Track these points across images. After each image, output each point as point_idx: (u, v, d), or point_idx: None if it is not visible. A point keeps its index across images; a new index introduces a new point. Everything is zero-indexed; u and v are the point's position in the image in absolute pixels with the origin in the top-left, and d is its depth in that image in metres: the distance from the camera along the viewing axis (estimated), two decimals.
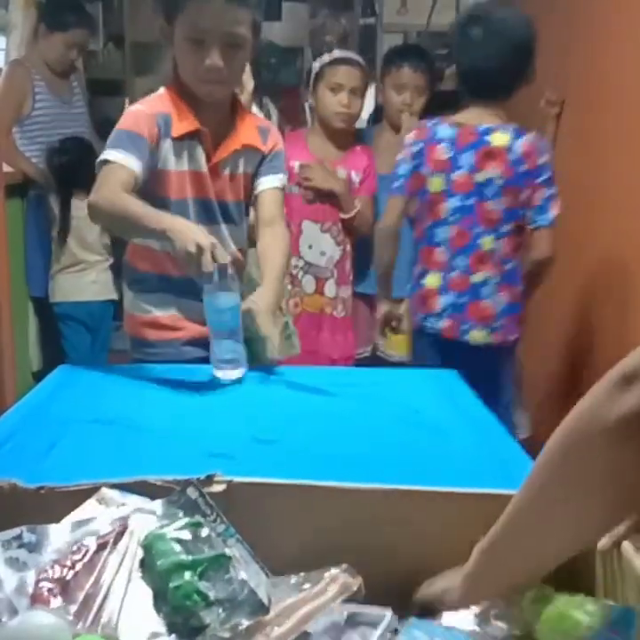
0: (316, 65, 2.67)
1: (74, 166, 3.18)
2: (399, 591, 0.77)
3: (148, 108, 1.65)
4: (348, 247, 2.70)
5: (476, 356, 2.06)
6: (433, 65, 3.01)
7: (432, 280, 2.14)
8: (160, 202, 1.64)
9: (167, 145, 1.65)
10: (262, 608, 0.70)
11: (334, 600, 0.74)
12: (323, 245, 2.67)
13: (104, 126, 3.87)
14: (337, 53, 2.71)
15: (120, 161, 1.54)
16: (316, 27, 4.37)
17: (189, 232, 1.39)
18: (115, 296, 3.30)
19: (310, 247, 2.66)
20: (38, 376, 3.27)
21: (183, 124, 1.65)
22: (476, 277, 2.08)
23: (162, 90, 1.70)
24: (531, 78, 2.03)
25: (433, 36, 5.58)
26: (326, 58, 2.66)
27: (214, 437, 1.24)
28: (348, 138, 2.72)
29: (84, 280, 3.32)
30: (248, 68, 1.97)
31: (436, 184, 2.09)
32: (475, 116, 2.07)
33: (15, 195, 3.31)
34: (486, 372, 1.90)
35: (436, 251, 2.12)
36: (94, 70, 4.05)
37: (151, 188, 1.65)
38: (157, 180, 1.66)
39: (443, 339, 2.11)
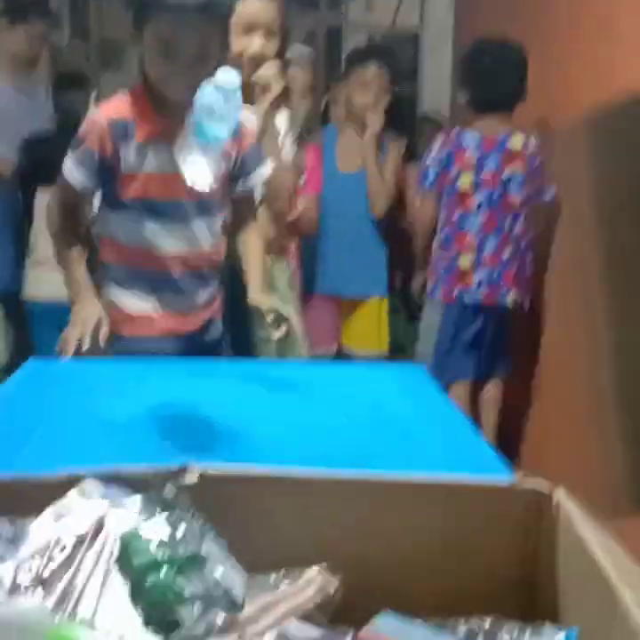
0: None
1: (41, 161, 3.16)
2: (379, 583, 0.78)
3: (105, 115, 1.70)
4: (292, 247, 2.48)
5: (505, 315, 2.73)
6: (397, 64, 3.05)
7: (465, 261, 2.70)
8: (128, 200, 1.68)
9: (130, 149, 1.67)
10: (237, 605, 0.71)
11: (312, 601, 0.75)
12: None
13: (69, 120, 3.84)
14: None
15: (69, 177, 1.72)
16: None
17: (77, 317, 1.68)
18: None
19: None
20: (5, 370, 3.24)
21: (146, 129, 1.67)
22: (505, 254, 2.67)
23: (125, 92, 1.72)
24: (525, 94, 2.67)
25: (397, 36, 5.63)
26: None
27: (186, 431, 1.26)
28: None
29: (52, 277, 3.28)
30: (276, 69, 1.97)
31: (464, 181, 2.68)
32: (491, 126, 2.69)
33: None
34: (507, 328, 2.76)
35: (467, 236, 2.69)
36: (60, 64, 4.01)
37: (119, 189, 1.68)
38: (125, 182, 1.68)
39: (481, 306, 2.72)
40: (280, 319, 1.66)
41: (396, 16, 5.32)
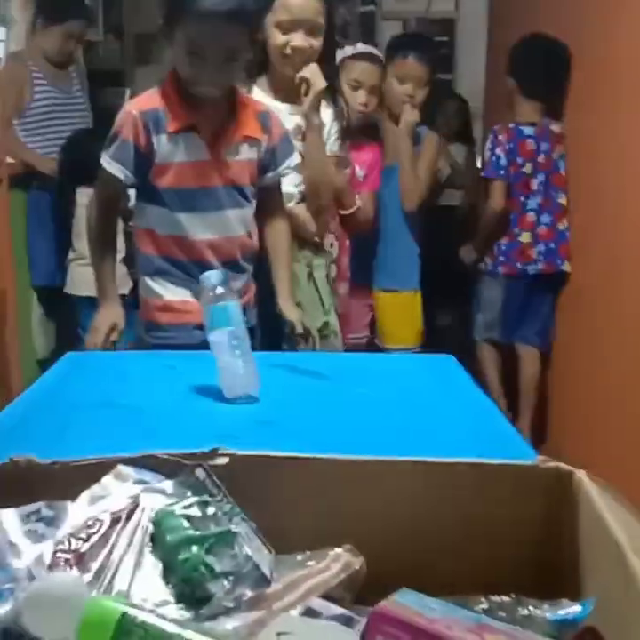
0: (337, 56, 2.59)
1: (80, 159, 3.23)
2: (403, 563, 0.80)
3: (137, 108, 1.76)
4: (347, 242, 2.65)
5: (562, 281, 3.08)
6: (436, 57, 3.03)
7: (526, 237, 3.07)
8: (163, 190, 1.73)
9: (163, 140, 1.72)
10: (265, 581, 0.74)
11: (337, 577, 0.78)
12: None
13: (105, 117, 3.91)
14: (360, 47, 2.68)
15: (110, 170, 1.77)
16: None
17: (95, 322, 1.85)
18: (124, 290, 3.34)
19: None
20: (43, 364, 3.32)
21: (177, 120, 1.72)
22: (560, 226, 3.03)
23: (155, 87, 1.77)
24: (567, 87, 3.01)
25: (432, 22, 5.61)
26: (349, 51, 2.63)
27: (218, 419, 1.29)
28: (357, 133, 2.68)
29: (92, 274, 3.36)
30: (316, 67, 2.00)
31: (528, 167, 3.03)
32: (535, 113, 3.04)
33: (18, 186, 3.35)
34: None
35: (527, 216, 3.05)
36: (94, 61, 4.08)
37: (154, 180, 1.73)
38: (157, 171, 1.73)
39: (541, 276, 3.07)
40: (306, 333, 1.71)
41: (431, 3, 5.30)
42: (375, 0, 5.07)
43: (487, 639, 0.57)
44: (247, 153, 1.80)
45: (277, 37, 1.99)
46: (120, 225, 3.28)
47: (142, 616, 0.61)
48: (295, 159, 1.88)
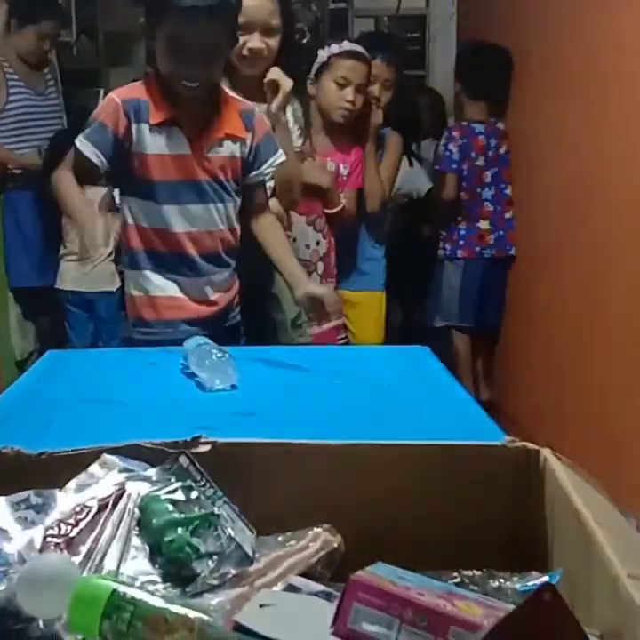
0: (323, 54, 2.62)
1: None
2: (379, 542, 0.84)
3: (120, 96, 1.79)
4: (333, 240, 2.67)
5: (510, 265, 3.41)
6: (404, 57, 2.97)
7: (485, 225, 3.39)
8: (145, 182, 1.76)
9: (144, 130, 1.75)
10: (248, 559, 0.78)
11: (316, 554, 0.82)
12: (307, 238, 2.60)
13: (79, 117, 3.91)
14: (347, 45, 2.65)
15: (84, 150, 1.75)
16: None
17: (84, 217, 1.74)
18: (112, 287, 3.39)
19: (294, 240, 2.52)
20: (22, 365, 3.33)
21: (160, 113, 1.75)
22: (507, 215, 3.38)
23: (139, 81, 1.80)
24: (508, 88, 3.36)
25: (403, 19, 5.64)
26: (335, 48, 2.62)
27: (198, 411, 1.32)
28: (343, 131, 2.71)
29: (81, 270, 3.42)
30: (278, 69, 2.02)
31: (481, 161, 3.34)
32: (481, 113, 3.36)
33: None
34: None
35: (484, 205, 3.38)
36: (68, 61, 4.08)
37: (133, 169, 1.77)
38: (137, 162, 1.77)
39: (493, 259, 3.40)
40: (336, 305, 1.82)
41: (401, 1, 5.33)
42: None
43: (457, 604, 0.61)
44: (230, 149, 1.83)
45: None
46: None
47: (131, 592, 0.64)
48: (279, 158, 1.91)
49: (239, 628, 0.61)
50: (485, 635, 0.51)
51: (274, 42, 2.02)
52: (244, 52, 2.00)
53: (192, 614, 0.63)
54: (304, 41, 4.09)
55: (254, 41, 2.00)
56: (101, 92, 4.28)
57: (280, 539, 0.84)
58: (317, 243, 2.61)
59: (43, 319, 3.57)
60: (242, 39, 1.98)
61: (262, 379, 1.51)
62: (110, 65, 4.43)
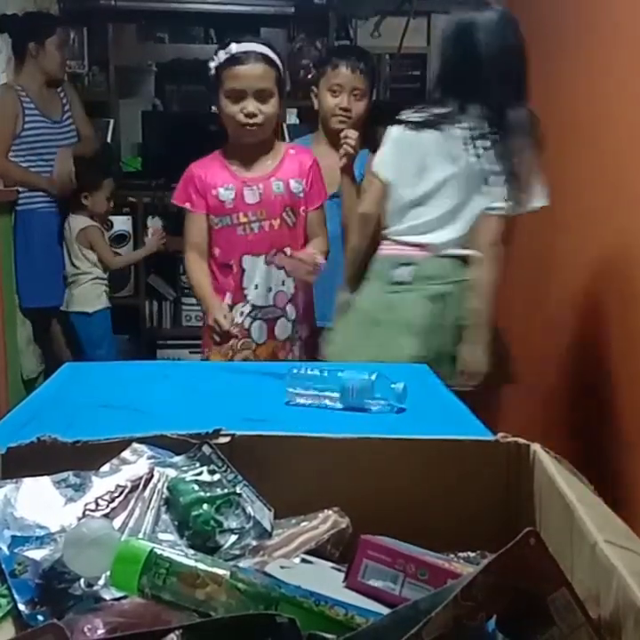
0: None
1: (79, 186, 3.47)
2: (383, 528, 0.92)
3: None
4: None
5: None
6: (373, 68, 2.73)
7: None
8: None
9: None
10: (266, 533, 0.86)
11: (326, 533, 0.90)
12: (268, 281, 2.25)
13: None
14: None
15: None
16: (294, 51, 4.55)
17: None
18: (96, 307, 3.52)
19: (256, 287, 2.26)
20: (29, 385, 3.41)
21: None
22: None
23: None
24: None
25: (405, 57, 5.80)
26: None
27: (210, 419, 1.40)
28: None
29: (74, 291, 3.54)
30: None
31: None
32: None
33: (4, 211, 3.47)
34: None
35: None
36: (80, 92, 4.20)
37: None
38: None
39: None
40: None
41: (403, 39, 5.48)
42: (350, 35, 5.24)
43: (454, 564, 0.70)
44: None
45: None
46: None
47: (167, 552, 0.73)
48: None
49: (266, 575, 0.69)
50: (476, 574, 0.60)
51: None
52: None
53: (221, 571, 0.71)
54: (310, 76, 4.24)
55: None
56: (111, 122, 4.41)
57: (293, 521, 0.93)
58: (281, 283, 2.28)
59: (51, 339, 3.67)
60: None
61: (272, 391, 1.59)
62: (120, 96, 4.55)
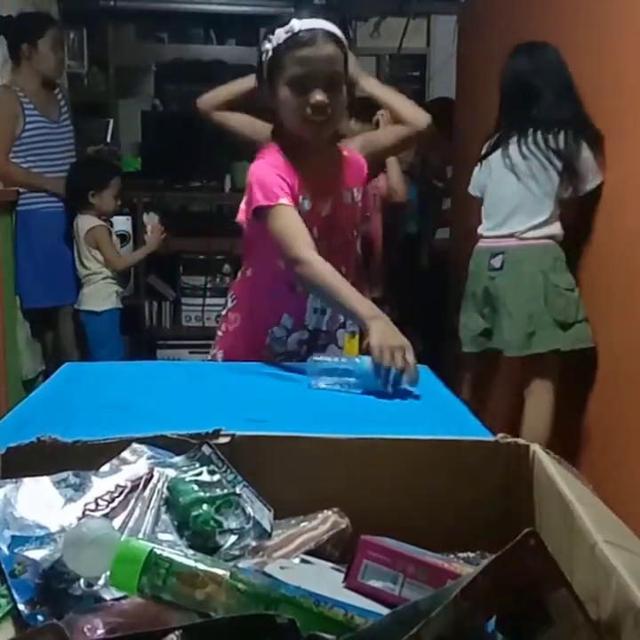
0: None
1: (86, 185, 3.47)
2: (382, 528, 0.92)
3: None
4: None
5: None
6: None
7: None
8: None
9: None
10: (266, 533, 0.86)
11: (326, 533, 0.90)
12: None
13: (88, 146, 4.04)
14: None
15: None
16: None
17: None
18: (105, 306, 3.51)
19: (315, 311, 1.96)
20: (29, 385, 3.41)
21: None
22: None
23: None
24: None
25: (405, 58, 5.81)
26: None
27: (210, 419, 1.40)
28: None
29: (85, 290, 3.57)
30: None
31: None
32: None
33: (4, 212, 3.47)
34: None
35: None
36: (79, 92, 4.21)
37: None
38: None
39: None
40: None
41: (403, 40, 5.49)
42: (350, 36, 5.26)
43: (454, 564, 0.70)
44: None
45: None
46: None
47: (167, 552, 0.73)
48: None
49: (266, 576, 0.69)
50: (476, 574, 0.60)
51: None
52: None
53: (221, 571, 0.71)
54: None
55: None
56: (111, 122, 4.42)
57: (293, 522, 0.93)
58: None
59: (51, 339, 3.67)
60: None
61: (272, 391, 1.59)
62: (119, 96, 4.57)
